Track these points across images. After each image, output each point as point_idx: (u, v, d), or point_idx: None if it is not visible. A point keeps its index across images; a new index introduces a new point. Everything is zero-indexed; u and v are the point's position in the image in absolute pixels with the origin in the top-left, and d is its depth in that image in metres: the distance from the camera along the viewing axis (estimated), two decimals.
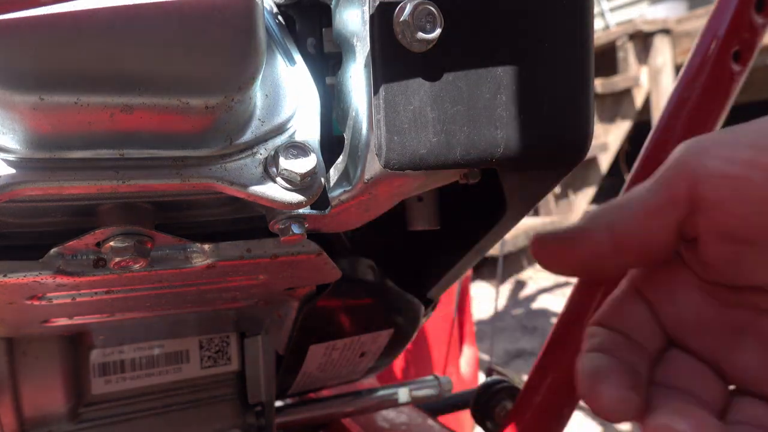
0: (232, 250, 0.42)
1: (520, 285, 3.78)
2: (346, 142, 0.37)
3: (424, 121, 0.33)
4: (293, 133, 0.35)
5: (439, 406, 0.86)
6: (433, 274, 0.60)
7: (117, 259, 0.35)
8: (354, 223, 0.43)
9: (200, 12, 0.29)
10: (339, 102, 0.38)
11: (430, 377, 0.80)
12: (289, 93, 0.36)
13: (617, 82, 4.28)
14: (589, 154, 2.34)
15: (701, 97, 0.67)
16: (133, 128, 0.30)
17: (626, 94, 4.34)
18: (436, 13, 0.31)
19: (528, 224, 3.97)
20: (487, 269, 3.77)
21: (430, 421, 0.81)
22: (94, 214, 0.36)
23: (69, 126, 0.29)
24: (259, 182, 0.33)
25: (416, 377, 0.82)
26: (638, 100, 4.36)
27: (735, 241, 0.31)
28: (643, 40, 4.36)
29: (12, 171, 0.29)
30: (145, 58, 0.28)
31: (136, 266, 0.36)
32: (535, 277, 3.90)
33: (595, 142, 3.84)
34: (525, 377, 0.76)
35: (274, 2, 0.41)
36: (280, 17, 0.41)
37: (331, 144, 0.41)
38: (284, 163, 0.33)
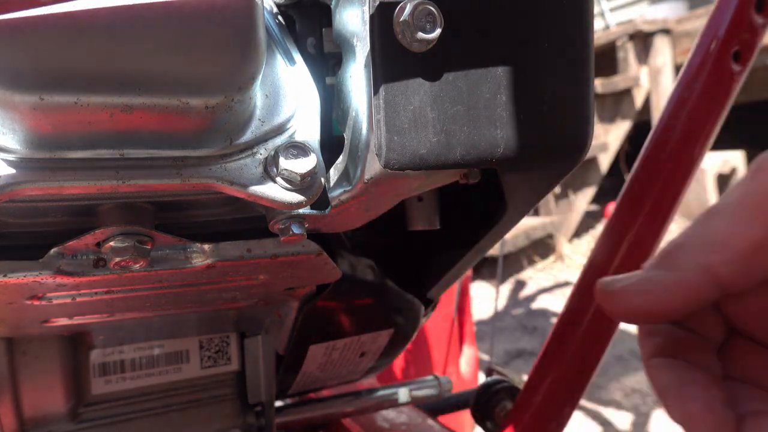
0: (232, 250, 0.42)
1: (520, 285, 3.78)
2: (346, 142, 0.37)
3: (424, 121, 0.33)
4: (293, 133, 0.35)
5: (439, 406, 0.86)
6: (433, 274, 0.60)
7: (117, 259, 0.35)
8: (354, 223, 0.43)
9: (200, 12, 0.29)
10: (339, 102, 0.38)
11: (430, 377, 0.80)
12: (289, 93, 0.36)
13: (617, 82, 4.28)
14: (589, 154, 2.34)
15: (701, 97, 0.67)
16: (133, 128, 0.30)
17: (626, 94, 4.34)
18: (436, 13, 0.31)
19: (528, 224, 3.97)
20: (487, 269, 3.77)
21: (430, 421, 0.81)
22: (94, 214, 0.36)
23: (69, 126, 0.29)
24: (259, 182, 0.33)
25: (416, 377, 0.82)
26: (638, 100, 4.36)
27: None
28: (643, 40, 4.36)
29: (12, 171, 0.29)
30: (145, 58, 0.28)
31: (136, 266, 0.36)
32: (535, 277, 3.90)
33: (595, 142, 3.85)
34: (525, 377, 0.76)
35: (274, 2, 0.41)
36: (280, 17, 0.41)
37: (331, 144, 0.41)
38: (284, 163, 0.33)
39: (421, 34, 0.31)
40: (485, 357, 2.33)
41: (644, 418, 2.16)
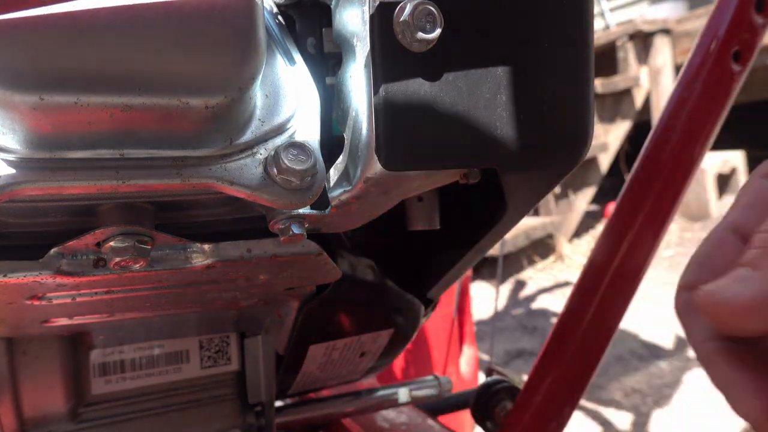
0: (232, 250, 0.42)
1: (520, 285, 3.78)
2: (346, 142, 0.37)
3: (424, 121, 0.33)
4: (293, 133, 0.35)
5: (439, 406, 0.86)
6: (433, 274, 0.60)
7: (117, 259, 0.35)
8: (354, 223, 0.43)
9: (200, 12, 0.29)
10: (339, 102, 0.37)
11: (430, 377, 0.80)
12: (289, 93, 0.36)
13: (617, 82, 4.28)
14: (589, 154, 2.34)
15: (701, 97, 0.67)
16: (133, 128, 0.30)
17: (626, 94, 4.34)
18: (436, 13, 0.31)
19: (528, 224, 3.97)
20: (487, 269, 3.77)
21: (430, 421, 0.81)
22: (94, 214, 0.36)
23: (69, 126, 0.29)
24: (259, 182, 0.33)
25: (416, 377, 0.82)
26: (638, 100, 4.36)
27: None
28: (643, 40, 4.36)
29: (12, 171, 0.29)
30: (145, 58, 0.28)
31: (136, 266, 0.36)
32: (535, 277, 3.91)
33: (595, 142, 3.85)
34: (525, 377, 0.76)
35: (274, 2, 0.41)
36: (280, 17, 0.41)
37: (331, 144, 0.41)
38: (284, 163, 0.33)
39: (421, 34, 0.31)
40: (485, 357, 2.33)
41: (644, 418, 2.16)
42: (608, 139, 4.29)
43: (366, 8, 0.33)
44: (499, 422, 0.76)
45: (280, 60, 0.36)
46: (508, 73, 0.34)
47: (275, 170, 0.33)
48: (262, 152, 0.34)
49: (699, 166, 0.69)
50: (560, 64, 0.35)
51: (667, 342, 2.70)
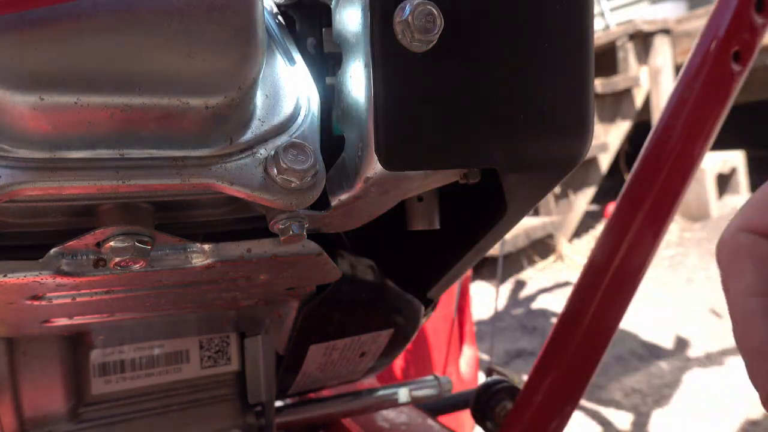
0: (232, 250, 0.42)
1: (520, 285, 3.78)
2: (346, 142, 0.37)
3: (424, 121, 0.33)
4: (293, 133, 0.35)
5: (439, 406, 0.86)
6: (433, 274, 0.60)
7: (117, 259, 0.35)
8: (354, 223, 0.43)
9: (200, 12, 0.29)
10: (339, 102, 0.37)
11: (430, 377, 0.80)
12: (289, 93, 0.36)
13: (617, 82, 4.28)
14: (589, 154, 2.34)
15: (701, 97, 0.67)
16: (133, 128, 0.30)
17: (626, 94, 4.34)
18: (436, 13, 0.31)
19: (528, 224, 3.97)
20: (487, 269, 3.77)
21: (430, 421, 0.81)
22: (94, 214, 0.36)
23: (69, 126, 0.29)
24: (259, 182, 0.33)
25: (416, 377, 0.82)
26: (638, 100, 4.36)
27: None
28: (643, 40, 4.36)
29: (12, 171, 0.29)
30: (145, 58, 0.28)
31: (136, 266, 0.36)
32: (535, 277, 3.90)
33: (595, 142, 3.85)
34: (525, 377, 0.76)
35: (274, 2, 0.41)
36: (280, 17, 0.41)
37: (331, 144, 0.41)
38: (284, 163, 0.33)
39: (421, 34, 0.31)
40: (485, 357, 2.33)
41: (644, 418, 2.15)
42: (608, 139, 4.29)
43: (366, 8, 0.33)
44: (499, 422, 0.76)
45: (280, 60, 0.36)
46: (508, 73, 0.34)
47: (275, 170, 0.33)
48: (262, 152, 0.34)
49: (699, 166, 0.69)
50: (560, 64, 0.35)
51: (667, 342, 2.70)
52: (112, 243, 0.35)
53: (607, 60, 4.42)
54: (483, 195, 0.49)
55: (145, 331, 0.62)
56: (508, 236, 1.41)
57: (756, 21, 0.67)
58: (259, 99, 0.34)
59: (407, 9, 0.31)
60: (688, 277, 3.46)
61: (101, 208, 0.36)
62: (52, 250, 0.37)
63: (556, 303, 3.36)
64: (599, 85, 4.13)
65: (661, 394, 2.30)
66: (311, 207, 0.36)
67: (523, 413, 0.72)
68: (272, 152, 0.33)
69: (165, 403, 0.64)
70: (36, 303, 0.43)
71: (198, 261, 0.42)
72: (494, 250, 1.90)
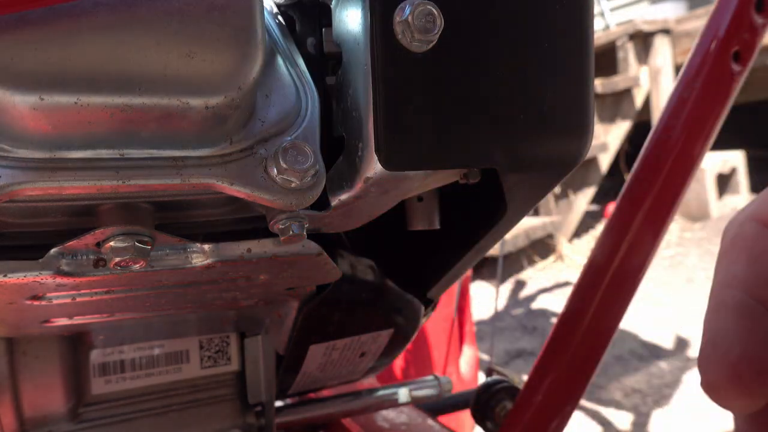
0: (232, 250, 0.42)
1: (520, 285, 3.78)
2: (346, 142, 0.37)
3: (424, 121, 0.33)
4: (293, 133, 0.35)
5: (439, 406, 0.86)
6: (433, 274, 0.60)
7: (117, 259, 0.35)
8: (354, 223, 0.43)
9: (200, 12, 0.29)
10: (339, 102, 0.38)
11: (430, 377, 0.80)
12: (289, 93, 0.36)
13: (617, 82, 4.28)
14: (589, 154, 2.34)
15: (701, 97, 0.67)
16: (133, 128, 0.30)
17: (626, 94, 4.35)
18: (436, 13, 0.31)
19: (528, 224, 3.97)
20: (487, 269, 3.77)
21: (430, 421, 0.81)
22: (94, 214, 0.36)
23: (69, 126, 0.29)
24: (259, 182, 0.33)
25: (416, 377, 0.82)
26: (638, 100, 4.36)
27: None
28: (643, 40, 4.36)
29: (12, 171, 0.29)
30: (145, 57, 0.28)
31: (136, 266, 0.36)
32: (535, 277, 3.91)
33: (595, 142, 3.85)
34: (525, 377, 0.76)
35: (274, 2, 0.41)
36: (280, 17, 0.41)
37: (331, 144, 0.41)
38: (284, 163, 0.33)
39: (421, 34, 0.31)
40: (485, 357, 2.33)
41: (644, 418, 2.16)
42: (608, 139, 4.29)
43: (366, 8, 0.33)
44: (499, 422, 0.76)
45: (280, 60, 0.36)
46: (508, 73, 0.34)
47: (275, 170, 0.33)
48: (262, 152, 0.34)
49: (699, 166, 0.69)
50: (560, 64, 0.35)
51: (667, 342, 2.70)
52: (112, 243, 0.35)
53: (607, 60, 4.43)
54: (483, 195, 0.49)
55: (145, 331, 0.62)
56: (508, 236, 1.41)
57: (756, 21, 0.67)
58: (259, 99, 0.34)
59: (407, 9, 0.31)
60: (688, 277, 3.46)
61: (101, 208, 0.36)
62: (52, 250, 0.37)
63: (556, 303, 3.36)
64: (599, 85, 4.14)
65: (661, 394, 2.30)
66: (311, 207, 0.36)
67: (523, 413, 0.72)
68: (272, 152, 0.33)
69: (165, 403, 0.64)
70: (36, 303, 0.43)
71: (198, 261, 0.42)
72: (494, 250, 1.91)
